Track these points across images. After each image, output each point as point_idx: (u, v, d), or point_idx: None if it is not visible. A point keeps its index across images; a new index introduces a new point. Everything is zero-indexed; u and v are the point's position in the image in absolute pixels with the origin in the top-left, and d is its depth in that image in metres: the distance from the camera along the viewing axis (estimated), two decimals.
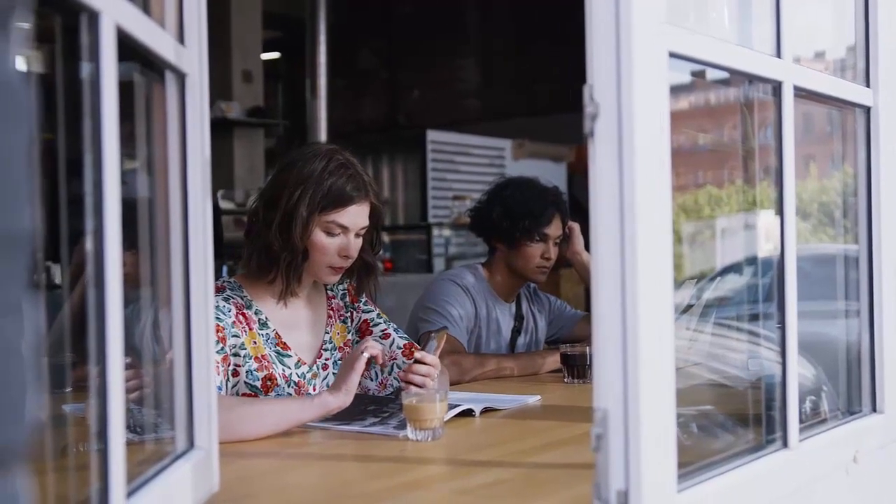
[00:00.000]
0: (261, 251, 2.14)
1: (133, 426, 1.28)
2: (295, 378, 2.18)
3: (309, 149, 2.22)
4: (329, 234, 2.14)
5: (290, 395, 2.15)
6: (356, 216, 2.16)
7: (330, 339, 2.29)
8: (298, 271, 2.15)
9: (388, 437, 1.86)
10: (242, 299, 2.17)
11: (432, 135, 8.13)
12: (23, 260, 0.57)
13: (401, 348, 2.30)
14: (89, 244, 0.98)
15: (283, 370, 2.16)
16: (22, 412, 0.56)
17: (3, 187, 0.56)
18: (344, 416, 2.03)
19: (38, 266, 0.63)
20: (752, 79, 1.52)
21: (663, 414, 1.18)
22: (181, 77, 1.32)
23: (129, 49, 1.10)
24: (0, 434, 0.54)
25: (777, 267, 1.51)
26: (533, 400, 2.31)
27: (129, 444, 1.05)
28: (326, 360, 2.28)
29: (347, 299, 2.36)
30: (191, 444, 1.35)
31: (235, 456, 1.68)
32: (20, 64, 0.59)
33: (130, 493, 1.07)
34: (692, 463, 1.30)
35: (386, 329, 2.35)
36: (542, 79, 9.14)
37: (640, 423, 1.14)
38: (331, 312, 2.32)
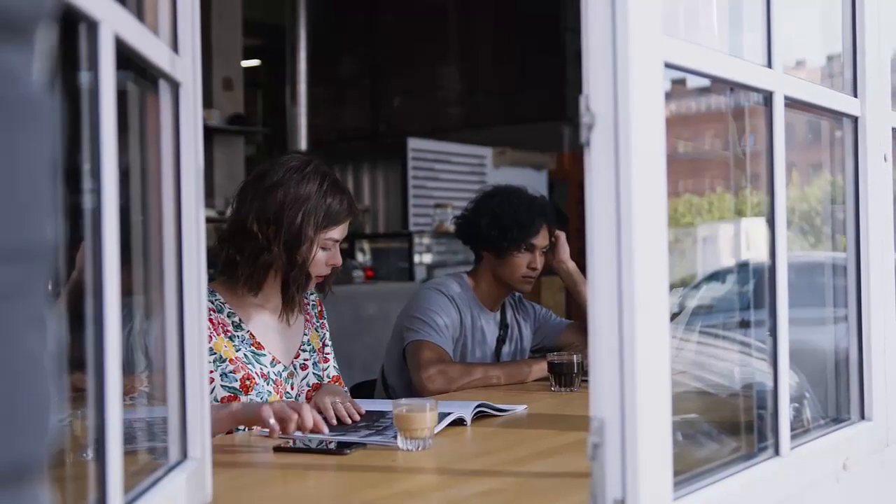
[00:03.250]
0: (262, 269, 2.20)
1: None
2: (273, 376, 2.23)
3: (290, 164, 2.25)
4: (323, 249, 2.24)
5: (270, 392, 2.21)
6: (346, 229, 2.29)
7: (308, 340, 2.37)
8: (305, 288, 2.26)
9: (382, 447, 1.85)
10: (213, 303, 2.21)
11: (413, 142, 8.12)
12: (45, 272, 0.57)
13: (330, 378, 2.39)
14: (88, 253, 0.98)
15: (261, 368, 2.22)
16: (46, 425, 0.56)
17: (29, 200, 0.56)
18: (338, 428, 2.02)
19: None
20: (744, 88, 1.53)
21: (660, 422, 1.19)
22: (175, 86, 1.31)
23: (124, 57, 1.09)
24: (25, 447, 0.54)
25: (768, 275, 1.52)
26: (521, 409, 2.31)
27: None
28: (305, 360, 2.35)
29: (316, 311, 2.44)
30: (184, 454, 1.34)
31: (228, 467, 1.67)
32: (43, 75, 0.59)
33: None
34: (687, 471, 1.31)
35: (329, 354, 2.45)
36: (523, 87, 9.17)
37: (637, 432, 1.14)
38: (308, 317, 2.40)
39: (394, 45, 9.94)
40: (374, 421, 2.08)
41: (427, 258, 7.52)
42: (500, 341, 3.09)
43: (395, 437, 1.85)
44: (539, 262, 2.97)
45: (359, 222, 8.06)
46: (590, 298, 1.17)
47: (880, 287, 1.81)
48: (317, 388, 2.35)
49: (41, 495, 0.55)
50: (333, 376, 2.41)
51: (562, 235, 3.07)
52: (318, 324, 2.43)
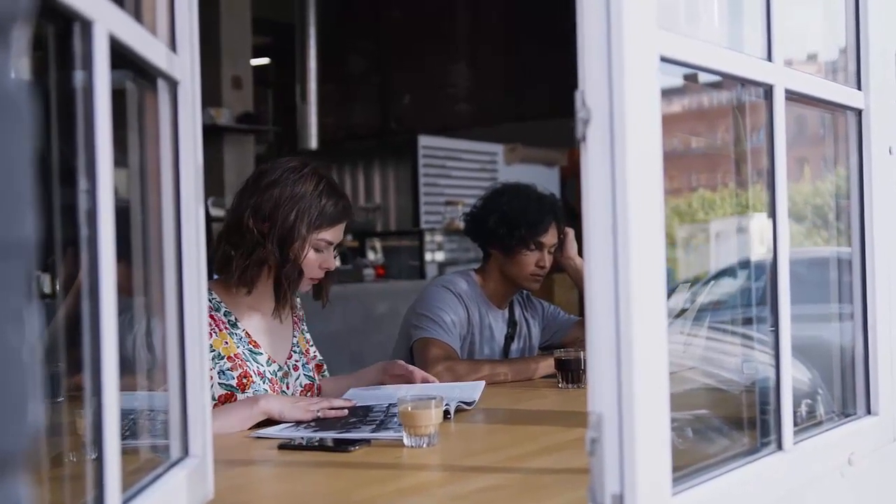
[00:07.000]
0: (255, 264, 2.23)
1: (125, 434, 1.27)
2: (269, 375, 2.27)
3: (289, 164, 2.29)
4: (316, 250, 2.27)
5: (266, 391, 2.23)
6: (341, 233, 2.32)
7: (297, 342, 2.41)
8: (297, 285, 2.28)
9: (387, 443, 1.85)
10: (211, 302, 2.24)
11: (424, 140, 8.12)
12: (25, 267, 0.58)
13: (302, 386, 2.38)
14: (83, 253, 0.98)
15: (258, 367, 2.25)
16: (24, 419, 0.56)
17: (7, 196, 0.56)
18: (335, 426, 2.00)
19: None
20: (743, 82, 1.52)
21: (658, 417, 1.18)
22: (173, 85, 1.32)
23: (121, 56, 1.09)
24: (2, 441, 0.55)
25: (770, 270, 1.52)
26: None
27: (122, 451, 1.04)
28: (296, 361, 2.39)
29: (301, 315, 2.49)
30: (185, 452, 1.34)
31: (230, 464, 1.68)
32: (20, 73, 0.59)
33: (125, 502, 1.07)
34: (687, 466, 1.30)
35: (312, 348, 2.49)
36: (533, 83, 9.16)
37: (635, 427, 1.14)
38: (296, 320, 2.45)
39: (403, 42, 9.94)
40: (364, 416, 2.08)
41: (438, 256, 7.53)
42: (510, 339, 3.09)
43: (396, 430, 1.85)
44: (547, 260, 2.97)
45: (369, 220, 8.07)
46: (587, 293, 1.16)
47: (886, 281, 1.80)
48: (309, 388, 2.39)
49: (20, 488, 0.55)
50: (306, 384, 2.41)
51: (570, 232, 3.07)
52: (303, 327, 2.48)
